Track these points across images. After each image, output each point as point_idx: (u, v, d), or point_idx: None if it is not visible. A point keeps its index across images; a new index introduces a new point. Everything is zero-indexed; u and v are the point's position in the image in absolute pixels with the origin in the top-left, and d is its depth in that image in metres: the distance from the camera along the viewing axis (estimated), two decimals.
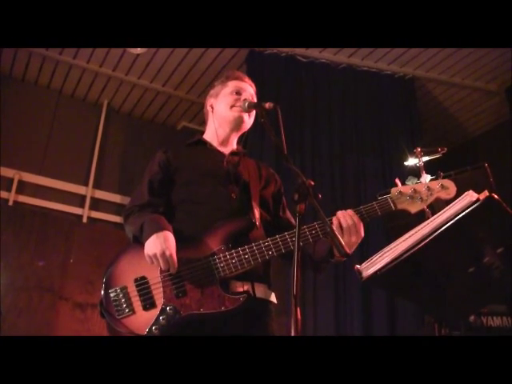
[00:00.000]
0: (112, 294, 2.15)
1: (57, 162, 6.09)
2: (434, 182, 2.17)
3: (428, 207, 2.22)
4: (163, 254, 2.08)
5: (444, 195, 2.15)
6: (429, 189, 2.17)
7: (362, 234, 2.19)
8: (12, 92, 6.06)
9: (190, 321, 2.09)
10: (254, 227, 2.28)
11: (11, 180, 5.73)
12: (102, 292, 2.18)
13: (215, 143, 2.56)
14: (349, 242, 2.14)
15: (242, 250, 2.17)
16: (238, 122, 2.52)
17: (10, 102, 5.99)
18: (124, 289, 2.15)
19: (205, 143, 2.57)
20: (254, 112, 2.52)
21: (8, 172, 5.73)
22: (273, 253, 2.16)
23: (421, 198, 2.16)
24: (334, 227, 2.13)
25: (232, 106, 2.50)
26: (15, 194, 5.69)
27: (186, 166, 2.45)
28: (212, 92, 2.67)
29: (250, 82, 2.63)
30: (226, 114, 2.52)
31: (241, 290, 2.18)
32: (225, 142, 2.56)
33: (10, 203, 5.62)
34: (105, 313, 2.15)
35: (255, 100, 2.58)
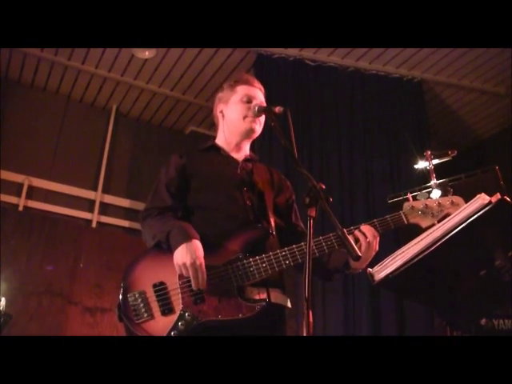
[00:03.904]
0: (130, 299, 2.15)
1: (66, 167, 6.11)
2: (445, 198, 2.24)
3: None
4: (193, 263, 2.09)
5: (454, 211, 2.19)
6: (439, 205, 2.23)
7: (377, 247, 2.25)
8: (21, 98, 6.10)
9: (208, 327, 2.10)
10: (269, 236, 2.30)
11: (21, 185, 5.75)
12: (120, 296, 2.17)
13: (228, 149, 2.57)
14: (368, 252, 2.21)
15: (260, 259, 2.19)
16: (250, 132, 2.54)
17: (19, 107, 6.02)
18: (142, 293, 2.16)
19: (218, 149, 2.58)
20: (263, 118, 2.54)
21: (17, 177, 5.76)
22: (290, 262, 2.19)
23: (432, 213, 2.23)
24: (353, 238, 2.16)
25: (245, 117, 2.50)
26: (25, 199, 5.71)
27: (200, 173, 2.46)
28: (221, 95, 2.66)
29: (259, 85, 2.63)
30: (239, 124, 2.52)
31: (257, 296, 2.20)
32: (237, 149, 2.58)
33: (20, 208, 5.64)
34: (123, 317, 2.14)
35: (265, 104, 2.57)
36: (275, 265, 2.18)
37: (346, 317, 4.71)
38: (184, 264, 2.10)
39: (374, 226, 2.24)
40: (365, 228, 2.23)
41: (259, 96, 2.58)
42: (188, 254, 2.10)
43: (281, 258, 2.19)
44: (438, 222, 2.22)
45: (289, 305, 2.37)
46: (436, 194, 2.27)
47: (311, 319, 1.56)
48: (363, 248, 2.18)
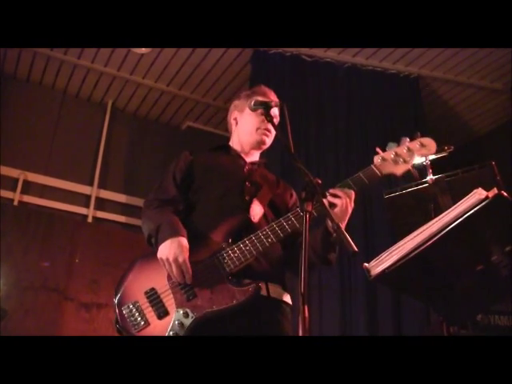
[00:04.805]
0: (125, 311, 2.18)
1: (62, 162, 6.09)
2: (413, 141, 2.25)
3: (414, 167, 2.27)
4: (176, 259, 2.12)
5: (425, 152, 2.23)
6: (409, 149, 2.23)
7: (353, 204, 2.25)
8: (16, 92, 6.07)
9: (205, 321, 2.12)
10: (250, 222, 2.31)
11: (16, 180, 5.73)
12: (116, 311, 2.20)
13: (239, 150, 2.64)
14: (343, 215, 2.21)
15: (242, 243, 2.22)
16: (261, 144, 2.61)
17: (15, 102, 6.00)
18: (136, 303, 2.19)
19: (228, 149, 2.66)
20: (273, 132, 2.57)
21: (13, 172, 5.73)
22: (272, 239, 2.21)
23: (403, 159, 2.23)
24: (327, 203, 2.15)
25: (257, 129, 2.56)
26: (20, 194, 5.69)
27: (206, 168, 2.52)
28: (237, 103, 2.73)
29: (275, 98, 2.66)
30: (250, 135, 2.59)
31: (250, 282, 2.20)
32: (247, 154, 2.64)
33: (15, 203, 5.62)
34: (122, 330, 2.17)
35: (278, 118, 2.60)
36: (258, 245, 2.20)
37: (343, 313, 4.70)
38: (167, 259, 2.14)
39: (348, 185, 2.25)
40: (335, 190, 2.23)
41: (274, 109, 2.59)
42: (172, 249, 2.14)
43: (262, 237, 2.21)
44: (412, 167, 2.23)
45: (289, 301, 2.38)
46: (404, 141, 2.26)
47: (307, 314, 1.55)
48: (338, 209, 2.19)
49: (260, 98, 2.59)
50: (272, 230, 2.21)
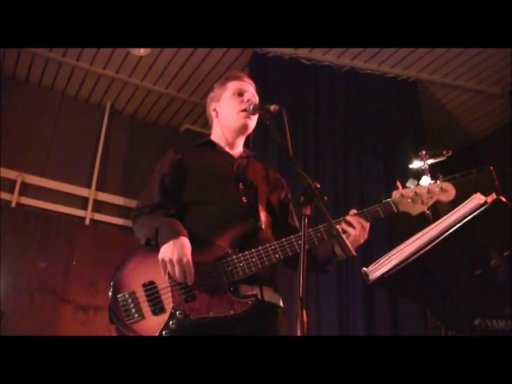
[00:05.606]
0: (120, 299, 2.13)
1: (60, 164, 6.08)
2: (434, 184, 2.21)
3: (430, 210, 2.26)
4: (180, 260, 2.08)
5: (444, 198, 2.19)
6: (429, 191, 2.20)
7: (366, 235, 2.24)
8: (15, 93, 6.06)
9: (200, 325, 2.09)
10: (259, 230, 2.28)
11: (14, 182, 5.72)
12: (111, 297, 2.16)
13: (223, 145, 2.56)
14: (355, 244, 2.18)
15: (250, 254, 2.17)
16: (244, 129, 2.54)
17: (13, 103, 5.98)
18: (132, 294, 2.14)
19: (213, 145, 2.58)
20: (255, 116, 2.53)
21: (11, 174, 5.73)
22: (279, 256, 2.17)
23: (421, 200, 2.20)
24: (341, 229, 2.14)
25: (238, 112, 2.49)
26: (18, 195, 5.68)
27: (196, 168, 2.45)
28: (213, 95, 2.67)
29: (249, 80, 2.63)
30: (232, 120, 2.53)
31: (250, 293, 2.18)
32: (232, 145, 2.57)
33: (13, 205, 5.61)
34: (114, 318, 2.13)
35: (257, 98, 2.58)
36: (265, 259, 2.16)
37: (340, 316, 4.70)
38: (170, 260, 2.09)
39: (364, 216, 2.24)
40: (351, 219, 2.22)
41: (250, 89, 2.59)
42: (175, 250, 2.09)
43: (270, 252, 2.17)
44: (428, 209, 2.22)
45: (281, 304, 2.36)
46: (425, 180, 2.24)
47: (305, 318, 1.55)
48: (351, 238, 2.17)
49: (235, 83, 2.57)
50: (281, 247, 2.18)
